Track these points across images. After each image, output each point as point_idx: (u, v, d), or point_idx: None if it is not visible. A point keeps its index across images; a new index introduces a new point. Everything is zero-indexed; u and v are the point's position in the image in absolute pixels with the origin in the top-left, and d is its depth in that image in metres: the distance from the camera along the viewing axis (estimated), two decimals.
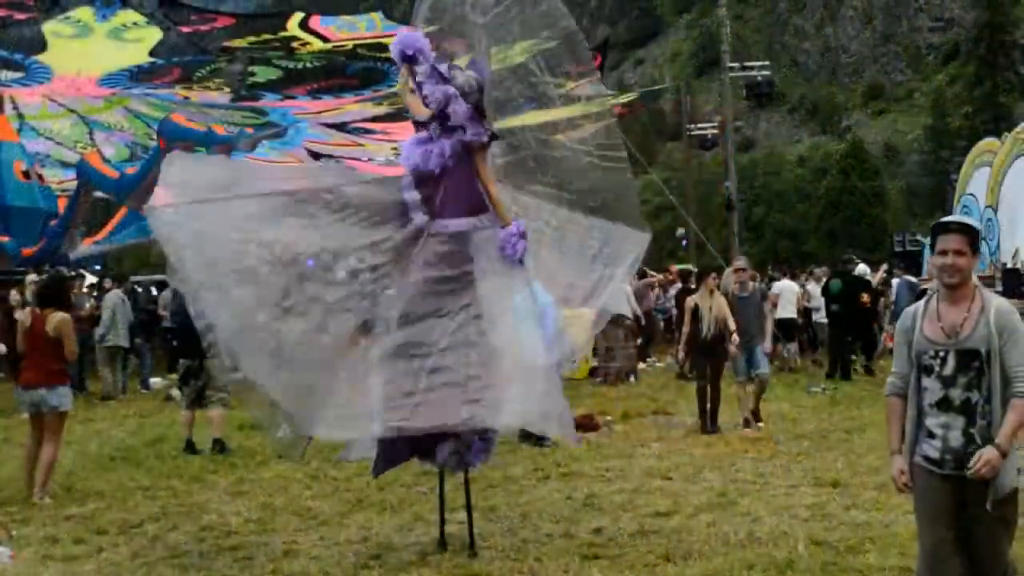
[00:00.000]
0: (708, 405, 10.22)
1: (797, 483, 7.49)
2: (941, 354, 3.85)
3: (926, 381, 3.89)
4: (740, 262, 11.10)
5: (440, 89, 5.92)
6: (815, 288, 17.03)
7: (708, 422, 10.17)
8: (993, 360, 3.76)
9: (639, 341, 16.59)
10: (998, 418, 3.76)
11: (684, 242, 38.90)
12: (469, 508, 6.11)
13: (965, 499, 3.80)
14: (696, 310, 10.21)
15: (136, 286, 19.89)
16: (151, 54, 18.43)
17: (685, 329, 10.56)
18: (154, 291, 21.26)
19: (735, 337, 10.06)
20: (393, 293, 5.75)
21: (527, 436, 9.14)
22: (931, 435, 3.88)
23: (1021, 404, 3.72)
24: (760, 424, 10.32)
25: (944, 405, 3.84)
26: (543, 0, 6.08)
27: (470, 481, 6.28)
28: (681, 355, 11.41)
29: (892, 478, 4.04)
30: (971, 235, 3.86)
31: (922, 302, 4.04)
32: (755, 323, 10.49)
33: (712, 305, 10.14)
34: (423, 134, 6.05)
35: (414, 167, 5.95)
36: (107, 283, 17.78)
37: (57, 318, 7.64)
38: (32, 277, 15.53)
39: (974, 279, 3.92)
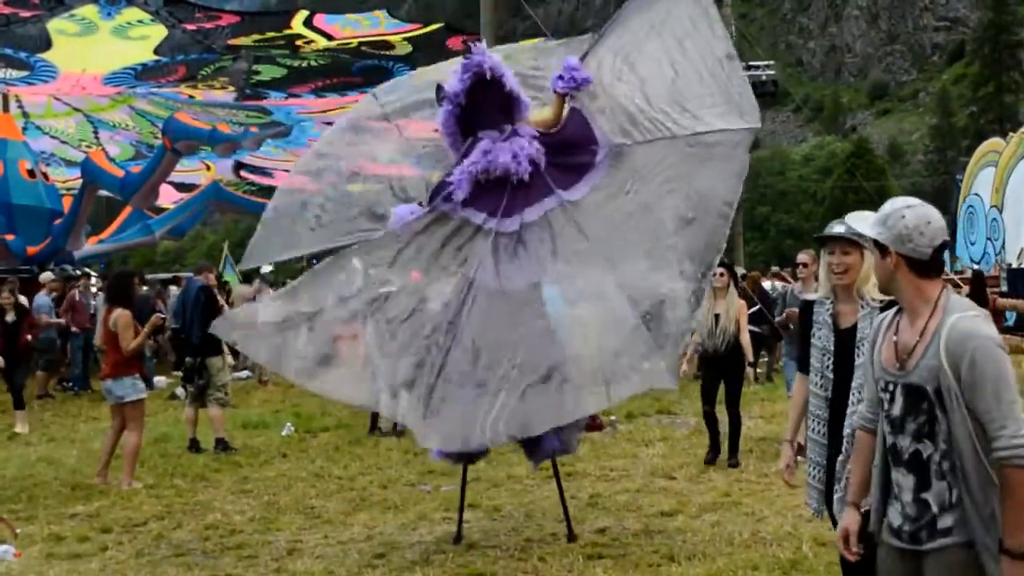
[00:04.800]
0: (719, 434, 8.55)
1: (801, 483, 7.44)
2: (890, 387, 2.83)
3: (883, 420, 2.90)
4: (804, 256, 8.89)
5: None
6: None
7: (729, 454, 8.44)
8: (949, 401, 2.67)
9: None
10: (975, 482, 2.65)
11: None
12: (462, 503, 6.20)
13: None
14: None
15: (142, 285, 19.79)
16: (156, 52, 18.48)
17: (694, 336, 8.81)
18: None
19: (748, 354, 8.66)
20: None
21: None
22: (893, 494, 2.87)
23: (1012, 475, 2.57)
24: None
25: (894, 456, 2.84)
26: None
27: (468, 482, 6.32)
28: (685, 365, 9.71)
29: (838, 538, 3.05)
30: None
31: (894, 311, 2.97)
32: None
33: (720, 310, 8.45)
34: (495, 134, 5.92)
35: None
36: (96, 282, 17.64)
37: (115, 313, 8.10)
38: (45, 275, 15.56)
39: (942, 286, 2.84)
